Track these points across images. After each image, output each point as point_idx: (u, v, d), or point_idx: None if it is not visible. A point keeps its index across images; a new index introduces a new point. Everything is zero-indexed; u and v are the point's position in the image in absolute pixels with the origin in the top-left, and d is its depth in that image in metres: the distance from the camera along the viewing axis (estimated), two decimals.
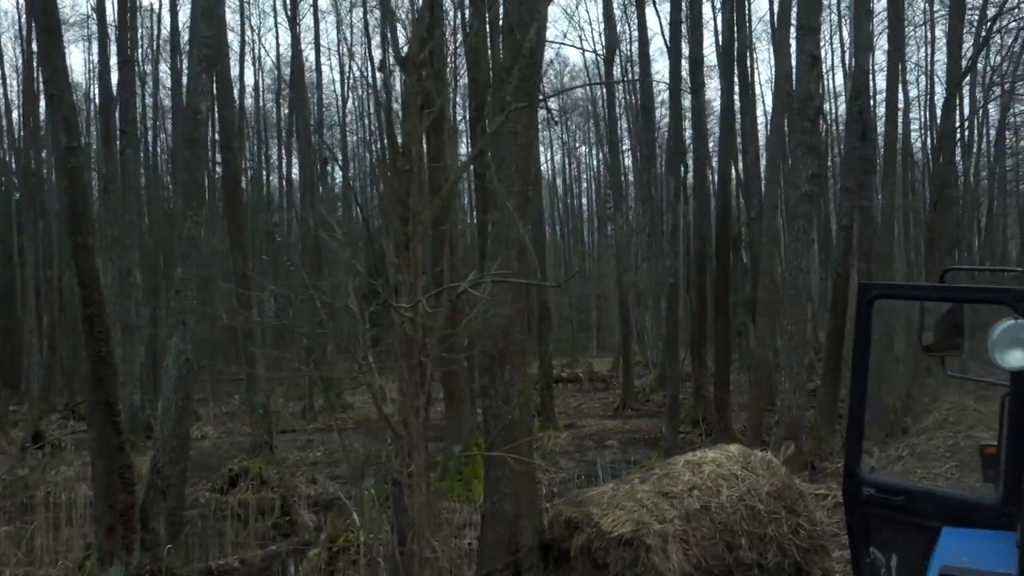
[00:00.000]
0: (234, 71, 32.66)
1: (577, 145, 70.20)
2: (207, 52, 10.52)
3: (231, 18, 37.79)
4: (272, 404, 35.74)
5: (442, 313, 6.33)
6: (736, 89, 26.03)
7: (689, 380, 25.14)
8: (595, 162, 65.59)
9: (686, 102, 24.78)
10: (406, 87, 6.09)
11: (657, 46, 35.69)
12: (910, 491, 4.78)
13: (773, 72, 19.76)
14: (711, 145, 29.00)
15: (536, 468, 8.47)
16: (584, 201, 73.48)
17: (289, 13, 32.74)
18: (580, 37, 78.26)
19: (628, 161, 50.22)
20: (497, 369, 8.19)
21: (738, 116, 26.10)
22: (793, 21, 13.86)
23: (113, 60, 24.22)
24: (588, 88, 53.46)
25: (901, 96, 34.12)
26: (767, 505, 6.97)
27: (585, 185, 73.05)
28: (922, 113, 39.14)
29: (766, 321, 14.46)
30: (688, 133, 27.37)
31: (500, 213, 8.24)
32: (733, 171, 31.19)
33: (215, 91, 18.20)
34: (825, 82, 39.87)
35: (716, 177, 20.05)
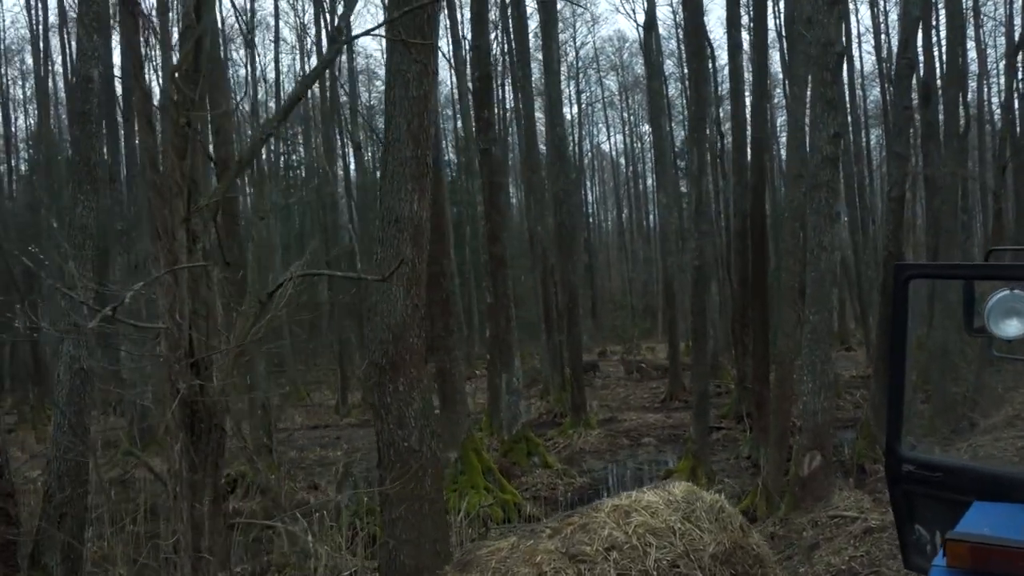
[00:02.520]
0: None
1: (640, 123, 68.35)
2: (96, 9, 9.00)
3: None
4: (307, 398, 34.87)
5: (247, 323, 4.61)
6: (782, 45, 23.72)
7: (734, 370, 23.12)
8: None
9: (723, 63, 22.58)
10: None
11: (716, 16, 33.25)
12: (948, 467, 4.74)
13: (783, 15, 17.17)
14: None
15: (443, 508, 6.70)
16: (649, 181, 71.56)
17: None
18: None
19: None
20: (388, 383, 6.47)
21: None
22: None
23: None
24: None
25: (975, 56, 31.22)
26: (710, 573, 5.15)
27: (650, 164, 70.94)
28: (1000, 78, 35.90)
29: (790, 308, 12.43)
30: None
31: (390, 184, 6.49)
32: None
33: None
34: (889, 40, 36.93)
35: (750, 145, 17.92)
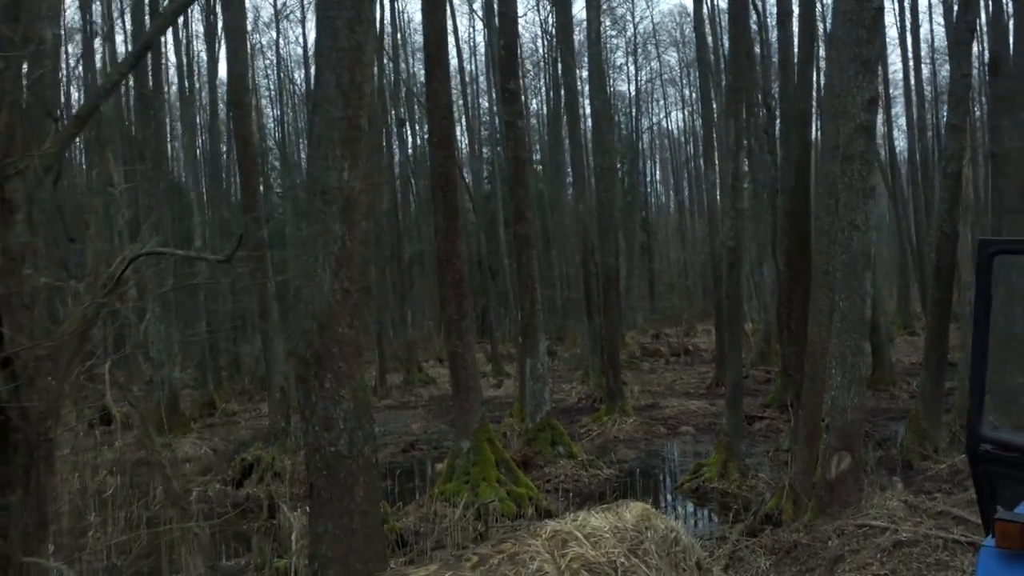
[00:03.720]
0: None
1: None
2: None
3: None
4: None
5: (80, 313, 3.81)
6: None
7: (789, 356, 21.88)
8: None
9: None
10: None
11: None
12: None
13: None
14: None
15: (378, 522, 5.87)
16: (717, 162, 69.82)
17: None
18: None
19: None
20: (313, 380, 5.62)
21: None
22: None
23: None
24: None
25: None
26: None
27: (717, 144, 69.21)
28: None
29: (822, 293, 11.31)
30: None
31: (317, 150, 5.64)
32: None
33: None
34: None
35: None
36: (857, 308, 9.64)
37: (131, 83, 21.74)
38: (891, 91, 43.75)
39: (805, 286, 16.52)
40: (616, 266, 21.96)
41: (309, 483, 5.73)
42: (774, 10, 23.71)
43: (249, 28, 36.49)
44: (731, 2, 15.11)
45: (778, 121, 20.80)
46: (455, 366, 14.10)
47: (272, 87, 51.91)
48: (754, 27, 29.86)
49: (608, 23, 62.03)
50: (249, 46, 29.80)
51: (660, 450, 18.67)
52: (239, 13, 17.67)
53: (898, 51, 42.26)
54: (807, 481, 10.84)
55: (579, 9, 47.17)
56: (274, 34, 50.01)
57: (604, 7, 58.52)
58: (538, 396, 16.76)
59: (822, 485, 10.04)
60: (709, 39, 35.26)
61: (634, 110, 67.40)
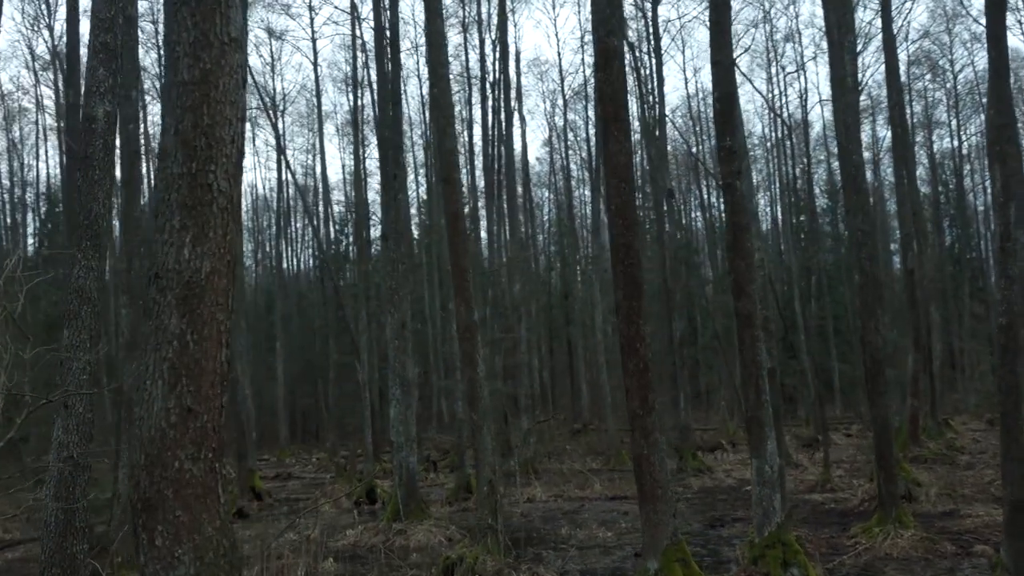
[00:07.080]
0: None
1: None
2: (107, 40, 7.67)
3: None
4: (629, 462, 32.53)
5: None
6: None
7: None
8: None
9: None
10: None
11: None
12: None
13: None
14: None
15: None
16: None
17: None
18: None
19: None
20: (141, 533, 4.08)
21: None
22: None
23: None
24: None
25: None
26: None
27: None
28: None
29: None
30: None
31: (155, 219, 4.18)
32: None
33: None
34: None
35: None
36: None
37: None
38: None
39: None
40: (881, 346, 18.57)
41: None
42: None
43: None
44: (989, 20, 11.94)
45: None
46: (640, 471, 11.99)
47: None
48: None
49: (928, 76, 56.66)
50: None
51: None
52: (446, 89, 17.02)
53: None
54: None
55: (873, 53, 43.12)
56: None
57: (921, 59, 53.51)
58: (766, 504, 14.02)
59: None
60: None
61: (964, 167, 60.77)
